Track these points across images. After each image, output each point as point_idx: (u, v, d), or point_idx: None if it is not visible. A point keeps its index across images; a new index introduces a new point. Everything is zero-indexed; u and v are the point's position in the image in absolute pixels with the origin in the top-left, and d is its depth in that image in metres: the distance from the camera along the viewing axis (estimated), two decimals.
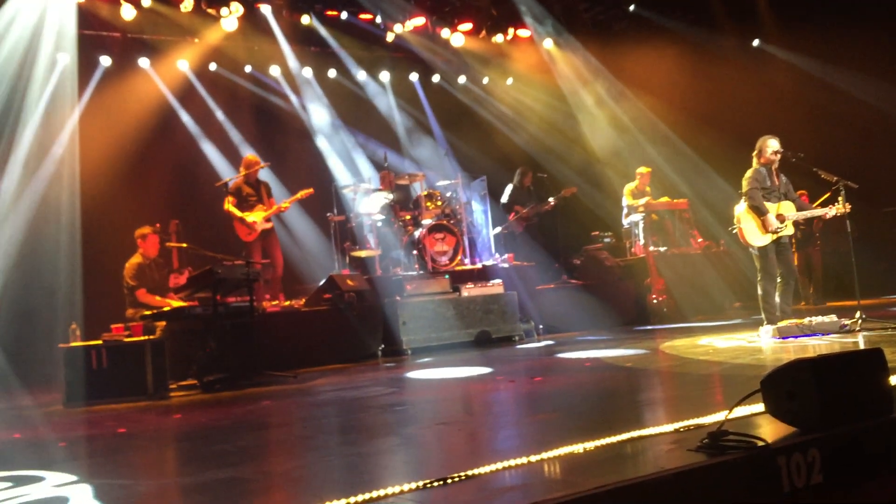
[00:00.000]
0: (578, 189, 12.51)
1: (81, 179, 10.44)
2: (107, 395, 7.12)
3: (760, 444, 2.95)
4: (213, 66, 12.29)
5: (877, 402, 3.21)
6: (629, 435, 3.47)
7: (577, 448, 3.32)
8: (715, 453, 2.95)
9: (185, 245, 9.00)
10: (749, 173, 7.78)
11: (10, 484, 3.65)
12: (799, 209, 7.77)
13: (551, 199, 12.23)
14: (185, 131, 12.00)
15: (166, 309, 8.08)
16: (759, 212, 7.60)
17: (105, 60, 11.45)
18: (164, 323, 7.90)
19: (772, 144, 7.75)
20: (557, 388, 5.75)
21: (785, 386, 3.18)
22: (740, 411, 3.49)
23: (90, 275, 9.86)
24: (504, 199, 12.42)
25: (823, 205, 8.79)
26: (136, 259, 8.68)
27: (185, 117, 12.02)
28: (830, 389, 3.09)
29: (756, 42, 14.61)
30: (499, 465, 3.14)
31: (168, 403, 6.94)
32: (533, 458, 3.21)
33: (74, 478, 3.70)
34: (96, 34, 11.28)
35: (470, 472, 3.07)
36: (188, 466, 4.11)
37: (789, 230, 7.72)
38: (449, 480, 3.00)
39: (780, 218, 7.61)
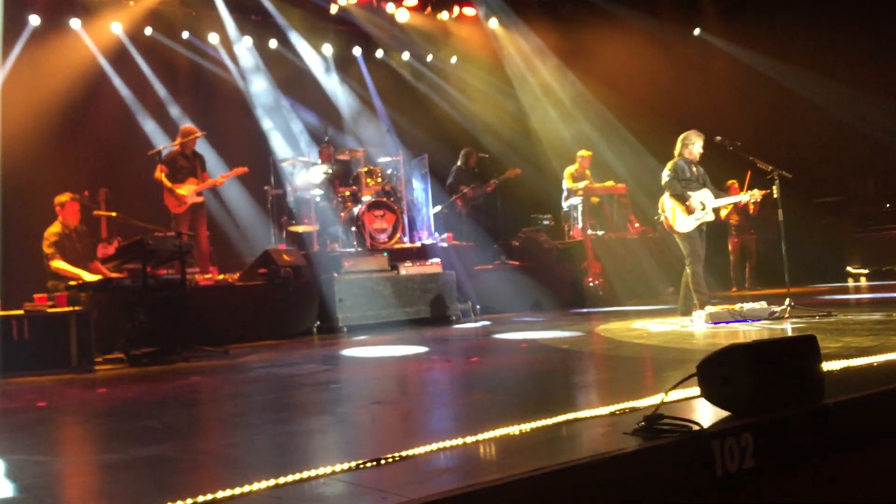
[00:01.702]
0: (520, 170, 12.49)
1: (3, 143, 9.98)
2: (28, 367, 6.83)
3: (696, 428, 2.96)
4: (148, 31, 11.88)
5: (809, 388, 3.25)
6: (565, 417, 3.45)
7: (513, 430, 3.29)
8: (650, 437, 2.94)
9: (114, 214, 8.69)
10: (669, 165, 8.12)
11: None
12: (716, 197, 8.07)
13: (494, 180, 12.17)
14: (118, 97, 11.57)
15: (94, 279, 7.79)
16: (682, 199, 7.93)
17: (34, 19, 10.94)
18: (89, 293, 7.62)
19: (698, 144, 8.11)
20: (493, 368, 5.73)
21: (720, 371, 3.20)
22: (675, 395, 3.50)
23: (12, 243, 9.45)
24: (449, 179, 12.33)
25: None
26: (54, 228, 8.30)
27: (118, 82, 11.59)
28: (765, 375, 3.12)
29: (697, 31, 14.78)
30: (433, 447, 3.09)
31: (93, 377, 6.72)
32: (468, 440, 3.17)
33: None
34: None
35: (404, 453, 3.01)
36: (111, 443, 3.96)
37: (710, 216, 8.03)
38: (382, 461, 2.93)
39: (702, 204, 7.93)
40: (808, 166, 11.80)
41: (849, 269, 13.73)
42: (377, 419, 4.09)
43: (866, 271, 13.49)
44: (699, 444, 2.92)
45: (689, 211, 7.89)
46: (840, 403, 3.26)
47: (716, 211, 8.12)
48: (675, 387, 3.36)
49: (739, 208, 12.09)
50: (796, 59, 13.22)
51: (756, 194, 8.05)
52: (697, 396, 3.47)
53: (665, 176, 8.07)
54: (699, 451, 2.91)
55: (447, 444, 3.13)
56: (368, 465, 2.91)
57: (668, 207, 8.02)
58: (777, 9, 13.19)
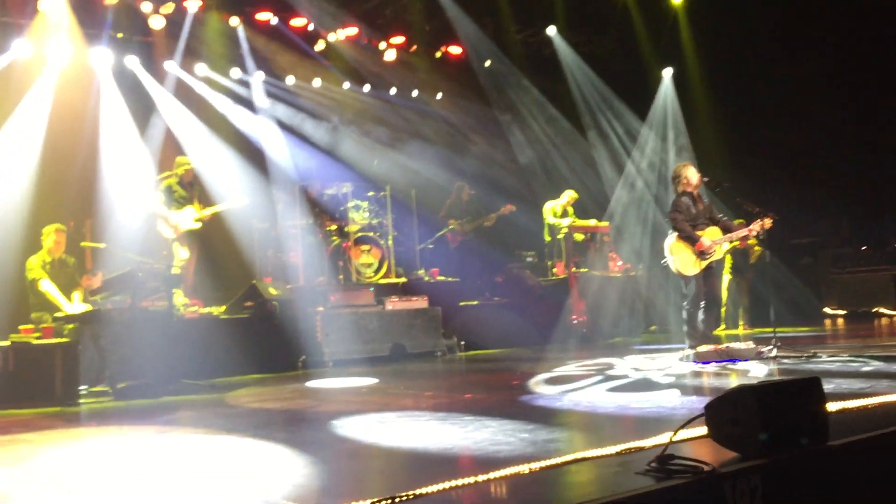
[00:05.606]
0: (514, 207, 12.55)
1: None
2: (12, 399, 6.73)
3: (707, 469, 2.99)
4: (133, 61, 11.77)
5: (815, 429, 3.30)
6: (573, 456, 3.47)
7: (523, 468, 3.30)
8: (662, 477, 2.97)
9: (103, 245, 8.61)
10: (673, 205, 7.88)
11: None
12: (725, 230, 7.83)
13: (492, 216, 12.28)
14: (106, 126, 11.44)
15: (79, 310, 7.71)
16: (691, 240, 7.63)
17: (23, 44, 10.81)
18: (75, 325, 7.52)
19: (693, 172, 7.90)
20: (488, 405, 5.71)
21: (729, 412, 3.24)
22: (678, 434, 3.53)
23: None
24: (442, 212, 12.38)
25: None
26: (39, 256, 8.19)
27: (108, 111, 11.43)
28: (773, 416, 3.16)
29: (670, 70, 14.90)
30: (446, 485, 3.09)
31: (78, 410, 6.65)
32: (480, 478, 3.18)
33: None
34: (13, 22, 10.70)
35: (417, 492, 3.02)
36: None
37: (718, 255, 7.84)
38: (396, 499, 2.94)
39: (710, 243, 7.63)
40: (782, 206, 11.97)
41: (826, 309, 13.89)
42: (386, 457, 4.08)
43: (843, 312, 13.66)
44: (711, 486, 2.95)
45: (699, 252, 7.61)
46: (846, 445, 3.31)
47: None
48: (682, 427, 3.40)
49: (739, 247, 11.79)
50: (770, 98, 13.46)
51: (767, 222, 7.58)
52: (702, 437, 3.51)
53: (671, 217, 7.79)
54: (711, 493, 2.94)
55: (459, 482, 3.13)
56: (383, 503, 2.91)
57: (674, 250, 7.72)
58: (752, 49, 13.45)
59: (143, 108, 11.71)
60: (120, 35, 11.53)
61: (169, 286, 8.28)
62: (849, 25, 12.82)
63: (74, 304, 7.99)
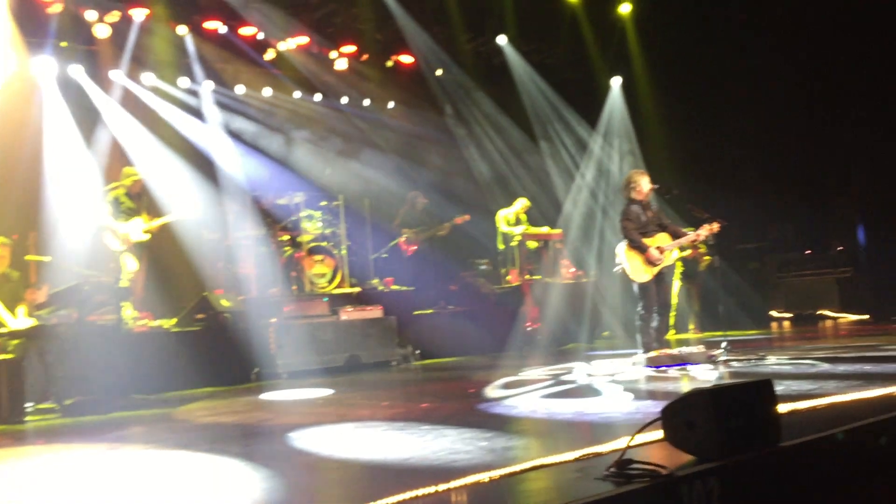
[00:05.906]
0: (469, 217, 12.57)
1: None
2: None
3: (664, 472, 3.03)
4: (79, 69, 11.55)
5: (768, 431, 3.36)
6: (532, 464, 3.48)
7: (482, 477, 3.30)
8: (622, 482, 3.00)
9: (48, 258, 8.40)
10: (623, 212, 7.97)
11: None
12: (674, 236, 7.92)
13: (447, 225, 12.28)
14: (51, 137, 11.20)
15: (28, 327, 7.50)
16: (640, 250, 7.73)
17: None
18: (21, 341, 7.31)
19: (645, 181, 8.00)
20: (447, 414, 5.71)
21: (685, 415, 3.28)
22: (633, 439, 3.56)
23: None
24: (396, 221, 12.33)
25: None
26: None
27: (52, 121, 11.19)
28: (728, 419, 3.21)
29: (618, 79, 15.07)
30: (406, 495, 3.08)
31: (24, 428, 6.47)
32: (440, 488, 3.16)
33: None
34: None
35: (376, 503, 2.99)
36: None
37: (668, 261, 7.94)
38: None
39: (660, 250, 7.75)
40: (730, 212, 12.19)
41: (772, 312, 14.18)
42: (344, 469, 4.05)
43: (789, 315, 13.96)
44: (669, 489, 2.98)
45: (649, 262, 7.72)
46: (797, 446, 3.38)
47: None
48: (640, 431, 3.43)
49: (689, 255, 11.95)
50: (717, 105, 13.71)
51: (715, 227, 7.76)
52: (658, 441, 3.55)
53: (621, 225, 7.87)
54: (668, 496, 2.98)
55: (418, 492, 3.12)
56: None
57: (626, 258, 7.79)
58: (698, 58, 13.69)
59: (88, 119, 11.47)
60: (64, 44, 11.29)
61: (117, 299, 8.13)
62: (795, 33, 13.12)
63: (19, 320, 7.78)
